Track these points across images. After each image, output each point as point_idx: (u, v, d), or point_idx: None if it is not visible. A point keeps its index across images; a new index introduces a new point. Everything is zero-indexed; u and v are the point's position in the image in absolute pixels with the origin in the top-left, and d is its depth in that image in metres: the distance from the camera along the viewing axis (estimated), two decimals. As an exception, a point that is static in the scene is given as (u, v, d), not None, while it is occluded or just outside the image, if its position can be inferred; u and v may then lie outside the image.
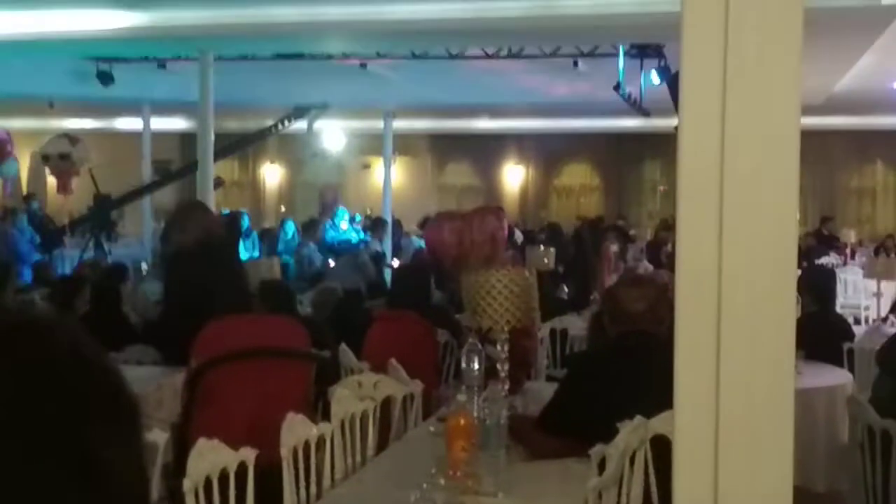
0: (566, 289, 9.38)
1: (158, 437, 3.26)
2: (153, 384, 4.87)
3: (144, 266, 11.65)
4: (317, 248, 12.85)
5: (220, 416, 4.13)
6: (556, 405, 3.70)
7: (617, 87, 10.96)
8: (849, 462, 4.40)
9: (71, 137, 13.54)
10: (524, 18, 8.52)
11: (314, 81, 13.50)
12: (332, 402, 3.81)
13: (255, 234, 14.49)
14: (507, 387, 3.74)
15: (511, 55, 11.09)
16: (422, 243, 10.75)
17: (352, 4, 8.58)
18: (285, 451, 3.29)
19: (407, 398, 4.28)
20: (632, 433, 3.11)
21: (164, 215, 17.17)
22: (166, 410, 4.72)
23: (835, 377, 5.41)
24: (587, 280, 9.12)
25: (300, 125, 16.47)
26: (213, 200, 11.14)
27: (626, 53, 10.60)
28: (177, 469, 3.52)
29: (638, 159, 20.47)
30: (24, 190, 18.30)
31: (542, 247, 9.06)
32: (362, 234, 14.47)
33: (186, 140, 18.03)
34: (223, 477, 3.03)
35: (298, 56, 11.25)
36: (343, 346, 5.25)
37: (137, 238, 16.75)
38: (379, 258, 11.69)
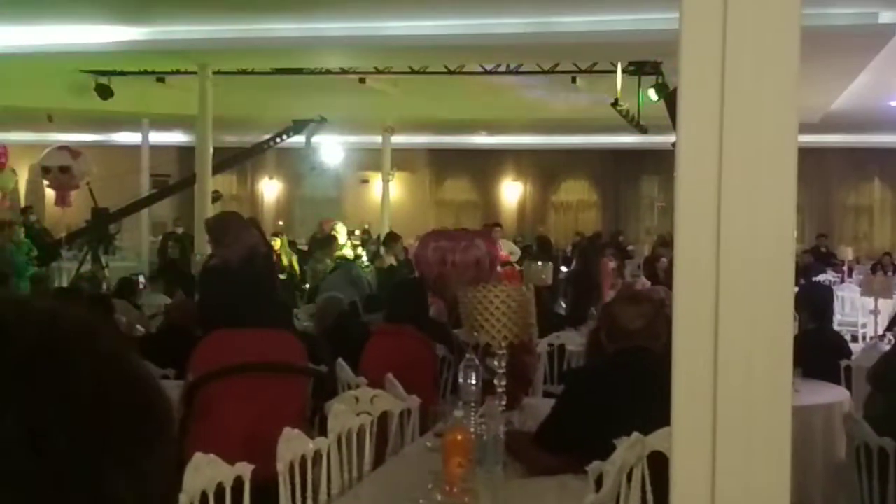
0: (563, 304, 9.39)
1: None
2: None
3: (142, 279, 11.64)
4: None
5: (217, 430, 4.12)
6: (553, 421, 3.69)
7: (615, 104, 10.99)
8: (846, 479, 4.40)
9: (72, 150, 13.55)
10: (522, 35, 8.55)
11: (313, 96, 13.53)
12: (328, 416, 3.80)
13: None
14: (504, 402, 3.74)
15: (509, 71, 11.13)
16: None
17: (350, 20, 8.61)
18: (282, 466, 3.28)
19: (404, 413, 4.27)
20: (629, 450, 3.11)
21: (162, 228, 17.22)
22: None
23: (832, 395, 5.41)
24: (589, 295, 9.11)
25: (298, 140, 16.50)
26: (210, 214, 11.14)
27: (623, 70, 10.64)
28: (173, 483, 3.50)
29: (635, 175, 20.51)
30: (22, 202, 18.30)
31: (539, 263, 9.05)
32: (359, 251, 14.45)
33: (185, 154, 18.05)
34: (219, 492, 3.02)
35: (297, 71, 11.28)
36: (340, 360, 5.25)
37: (135, 251, 16.74)
38: (393, 271, 11.64)
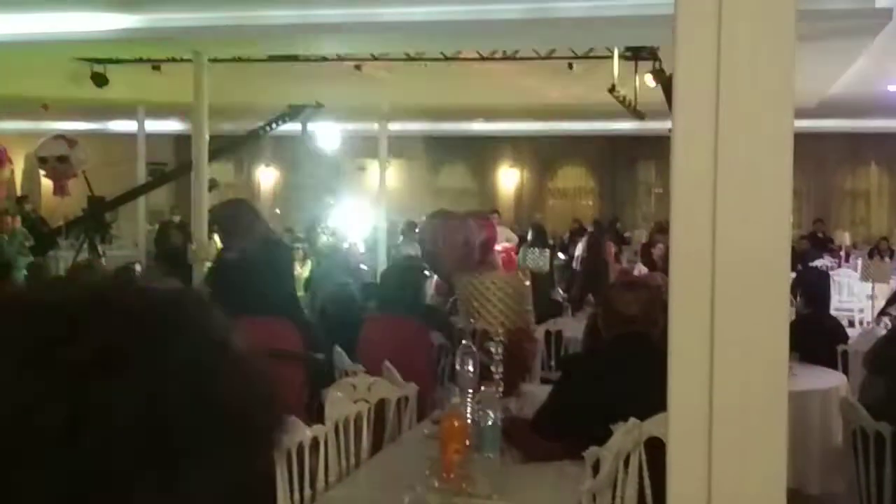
0: (560, 291, 9.39)
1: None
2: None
3: (138, 268, 11.62)
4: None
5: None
6: (551, 407, 3.70)
7: (611, 90, 10.96)
8: (843, 464, 4.41)
9: (68, 139, 13.52)
10: (519, 21, 8.52)
11: (309, 84, 13.49)
12: (325, 404, 3.80)
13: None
14: (501, 389, 3.74)
15: (506, 57, 11.10)
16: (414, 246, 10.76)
17: (346, 6, 8.58)
18: (279, 454, 3.28)
19: (401, 400, 4.27)
20: (626, 435, 3.11)
21: (159, 217, 17.21)
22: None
23: (829, 379, 5.42)
24: (598, 281, 9.13)
25: (295, 128, 16.46)
26: (207, 203, 11.12)
27: (620, 56, 10.61)
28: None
29: (632, 162, 20.50)
30: (18, 192, 18.27)
31: (536, 249, 9.06)
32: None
33: (181, 142, 18.01)
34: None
35: (293, 58, 11.24)
36: (337, 347, 5.24)
37: (132, 240, 16.72)
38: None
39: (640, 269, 10.66)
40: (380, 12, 8.62)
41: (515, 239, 13.92)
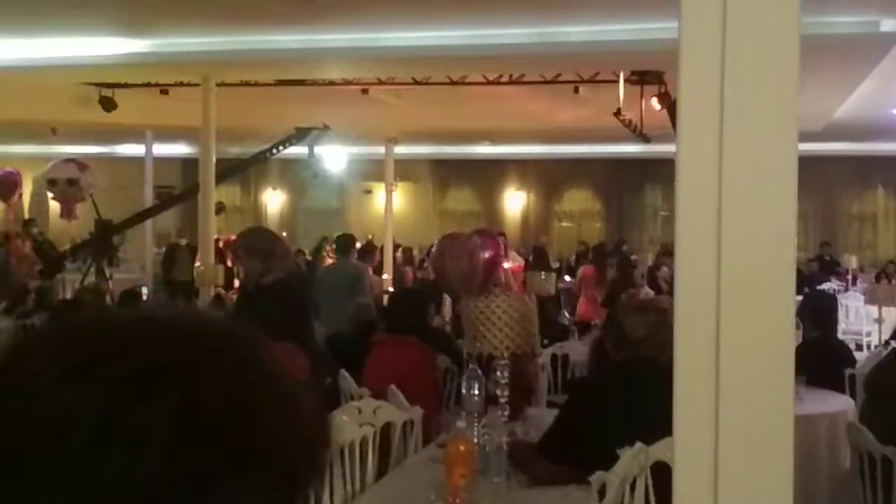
0: (566, 314, 9.38)
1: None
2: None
3: (145, 291, 11.64)
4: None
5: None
6: (557, 431, 3.68)
7: (617, 113, 10.99)
8: (851, 489, 4.38)
9: (79, 163, 13.57)
10: (525, 45, 8.57)
11: (316, 107, 13.55)
12: (330, 428, 3.79)
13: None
14: (507, 413, 3.73)
15: (512, 81, 11.14)
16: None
17: (353, 31, 8.63)
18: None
19: (407, 424, 4.26)
20: (632, 460, 3.10)
21: (166, 240, 17.24)
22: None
23: (837, 403, 5.39)
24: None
25: (301, 150, 16.51)
26: (214, 226, 11.16)
27: (626, 80, 10.65)
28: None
29: (639, 185, 20.51)
30: (26, 215, 18.34)
31: (542, 273, 9.05)
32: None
33: (188, 165, 18.08)
34: None
35: (300, 82, 11.31)
36: (342, 371, 5.24)
37: (139, 263, 16.75)
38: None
39: (647, 292, 10.65)
40: (386, 37, 8.68)
41: (521, 261, 13.91)
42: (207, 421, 0.66)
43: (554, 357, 6.80)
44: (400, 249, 16.31)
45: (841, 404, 5.38)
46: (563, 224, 21.13)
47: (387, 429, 4.14)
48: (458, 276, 5.41)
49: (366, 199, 20.88)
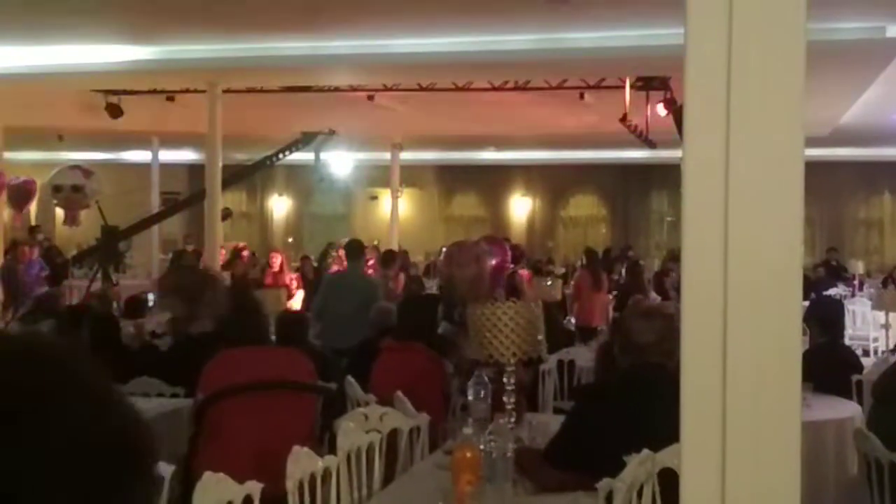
0: (572, 320, 9.37)
1: (164, 469, 3.25)
2: (160, 416, 4.85)
3: (151, 297, 11.65)
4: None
5: (226, 448, 4.12)
6: (564, 438, 3.68)
7: (623, 119, 11.00)
8: (858, 495, 4.37)
9: (84, 170, 13.60)
10: (530, 51, 8.58)
11: (322, 113, 13.58)
12: (338, 434, 3.79)
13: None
14: (513, 419, 3.73)
15: (517, 87, 11.15)
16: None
17: (359, 38, 8.65)
18: (291, 484, 3.27)
19: (413, 431, 4.26)
20: (639, 466, 3.09)
21: (172, 246, 17.28)
22: (172, 443, 4.70)
23: (844, 410, 5.37)
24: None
25: (307, 157, 16.55)
26: (221, 232, 11.18)
27: (631, 86, 10.65)
28: (183, 503, 3.51)
29: (645, 190, 20.50)
30: (33, 221, 18.37)
31: (549, 279, 9.06)
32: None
33: (195, 171, 18.11)
34: (228, 510, 3.01)
35: (306, 89, 11.33)
36: (349, 377, 5.24)
37: (145, 269, 16.78)
38: None
39: (654, 298, 10.64)
40: (392, 44, 8.69)
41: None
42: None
43: (560, 363, 6.79)
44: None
45: (848, 410, 5.36)
46: (570, 229, 21.13)
47: (393, 435, 4.14)
48: (465, 282, 5.41)
49: (371, 205, 20.90)
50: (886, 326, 9.78)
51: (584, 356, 6.86)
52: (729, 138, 1.44)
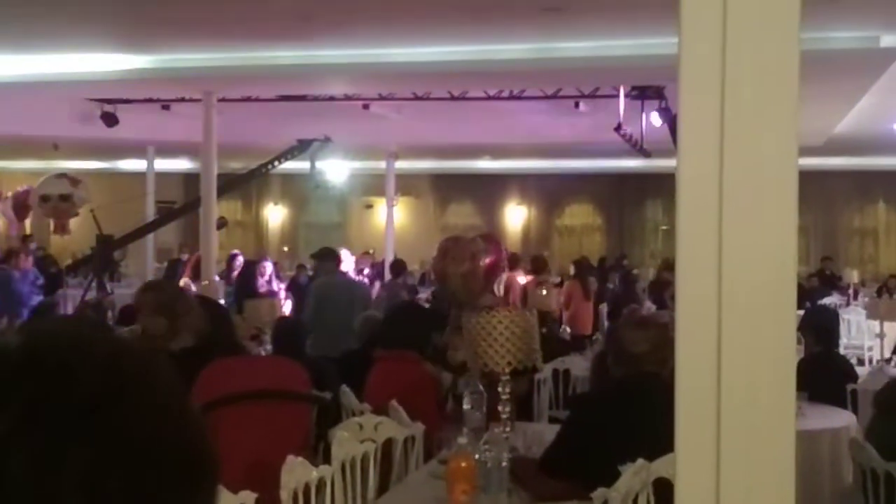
0: (567, 329, 9.36)
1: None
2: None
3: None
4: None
5: (220, 457, 4.10)
6: (559, 447, 3.67)
7: (618, 128, 11.02)
8: (854, 504, 4.36)
9: (71, 178, 13.52)
10: (525, 60, 8.59)
11: (317, 122, 13.59)
12: (332, 444, 3.78)
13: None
14: (508, 429, 3.72)
15: (513, 96, 11.17)
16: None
17: (354, 47, 8.66)
18: (285, 494, 3.26)
19: (408, 440, 4.25)
20: (634, 476, 3.09)
21: (167, 255, 17.25)
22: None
23: (839, 419, 5.37)
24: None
25: (303, 166, 16.54)
26: (216, 240, 11.16)
27: (626, 95, 10.67)
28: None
29: (640, 199, 20.53)
30: (28, 230, 18.34)
31: (544, 289, 9.05)
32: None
33: (190, 180, 18.11)
34: (222, 520, 3.00)
35: (301, 98, 11.34)
36: (344, 387, 5.23)
37: (140, 278, 16.75)
38: None
39: (650, 307, 10.65)
40: (387, 53, 8.70)
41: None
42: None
43: (555, 372, 6.78)
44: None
45: (843, 420, 5.36)
46: (565, 238, 21.14)
47: (388, 445, 4.13)
48: (458, 278, 5.37)
49: (367, 214, 20.90)
50: (881, 335, 9.79)
51: (579, 365, 6.86)
52: (723, 147, 1.44)
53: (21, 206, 14.58)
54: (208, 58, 9.09)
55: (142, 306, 4.89)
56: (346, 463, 3.72)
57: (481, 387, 3.68)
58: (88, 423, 0.67)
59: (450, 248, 5.67)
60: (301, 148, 15.63)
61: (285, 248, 20.73)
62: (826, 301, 12.75)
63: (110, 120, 11.92)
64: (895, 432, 4.13)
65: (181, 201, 18.56)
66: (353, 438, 3.92)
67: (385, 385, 5.03)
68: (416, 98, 11.24)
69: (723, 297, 1.44)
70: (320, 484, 3.51)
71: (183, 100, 11.61)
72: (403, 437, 4.22)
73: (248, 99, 11.62)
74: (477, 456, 3.34)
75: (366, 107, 11.74)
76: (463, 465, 3.10)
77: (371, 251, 17.46)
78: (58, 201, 13.06)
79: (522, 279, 10.88)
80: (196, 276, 11.25)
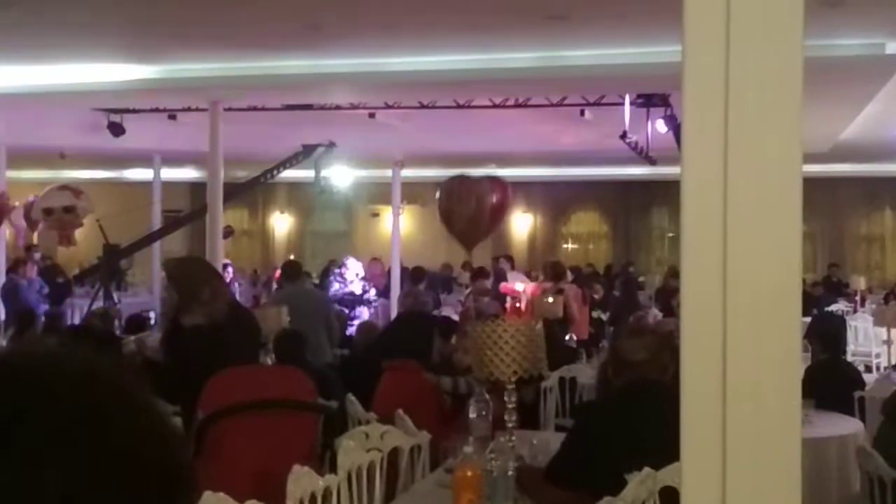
0: (573, 337, 9.35)
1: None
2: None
3: (153, 315, 11.65)
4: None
5: (226, 467, 4.10)
6: (565, 456, 3.66)
7: (623, 136, 11.01)
8: (862, 512, 4.34)
9: (73, 189, 13.50)
10: (531, 69, 8.60)
11: (323, 131, 13.61)
12: (338, 453, 3.78)
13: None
14: (514, 437, 3.72)
15: (518, 105, 11.17)
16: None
17: (359, 56, 8.67)
18: None
19: (414, 449, 4.25)
20: (640, 485, 3.08)
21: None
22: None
23: (846, 426, 5.36)
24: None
25: (308, 174, 16.56)
26: (222, 249, 11.18)
27: (631, 102, 10.67)
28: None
29: (646, 207, 20.52)
30: (35, 240, 18.37)
31: (550, 296, 9.03)
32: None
33: (196, 189, 18.14)
34: (228, 529, 3.00)
35: (307, 107, 11.36)
36: (350, 396, 5.23)
37: (147, 287, 16.78)
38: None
39: (656, 315, 10.63)
40: (393, 62, 8.72)
41: (530, 283, 13.88)
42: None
43: (562, 380, 6.77)
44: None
45: (850, 427, 5.35)
46: (571, 246, 21.13)
47: (394, 454, 4.13)
48: (464, 219, 5.33)
49: (373, 222, 20.91)
50: (888, 342, 9.75)
51: (585, 373, 6.85)
52: (727, 155, 1.44)
53: (31, 217, 14.61)
54: (214, 67, 9.11)
55: (166, 272, 5.14)
56: (353, 472, 3.72)
57: (487, 395, 3.68)
58: (64, 441, 0.67)
59: (455, 188, 5.58)
60: (305, 153, 15.64)
61: (292, 257, 20.74)
62: (833, 308, 12.72)
63: (117, 130, 11.95)
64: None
65: (188, 210, 18.60)
66: (360, 447, 3.92)
67: (392, 395, 5.03)
68: (422, 107, 11.25)
69: (728, 304, 1.44)
70: (326, 493, 3.50)
71: (189, 109, 11.64)
72: (409, 446, 4.22)
73: (254, 108, 11.65)
74: (483, 465, 3.34)
75: (372, 115, 11.75)
76: (469, 474, 3.10)
77: (379, 257, 17.46)
78: (61, 213, 13.06)
79: (521, 286, 10.84)
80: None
